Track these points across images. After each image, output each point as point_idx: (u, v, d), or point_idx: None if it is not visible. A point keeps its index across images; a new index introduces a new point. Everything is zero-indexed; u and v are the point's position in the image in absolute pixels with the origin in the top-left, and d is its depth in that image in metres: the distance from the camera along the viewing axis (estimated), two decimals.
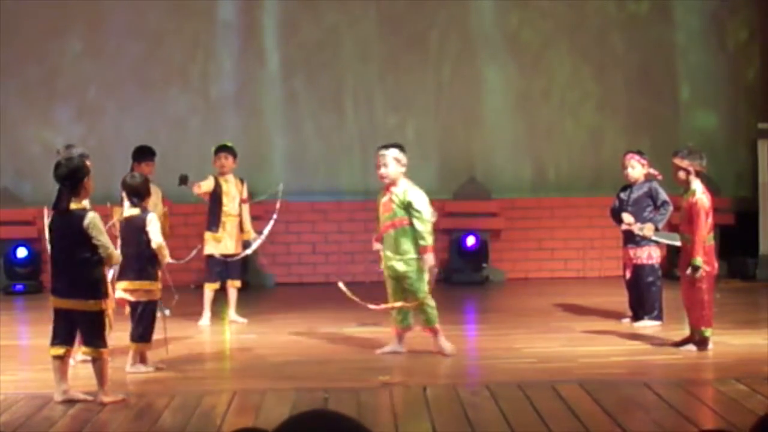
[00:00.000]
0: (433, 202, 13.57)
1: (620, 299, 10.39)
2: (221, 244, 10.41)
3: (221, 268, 10.45)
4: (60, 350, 7.46)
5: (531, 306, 11.47)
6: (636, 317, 10.17)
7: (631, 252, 10.05)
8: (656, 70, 13.97)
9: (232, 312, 10.67)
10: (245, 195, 10.70)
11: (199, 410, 7.21)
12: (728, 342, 9.26)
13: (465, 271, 13.21)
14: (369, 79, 13.82)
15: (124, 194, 8.56)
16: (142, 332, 8.32)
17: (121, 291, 8.28)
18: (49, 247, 7.60)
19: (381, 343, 9.58)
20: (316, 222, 13.57)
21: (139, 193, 8.41)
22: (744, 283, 12.68)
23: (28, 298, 12.51)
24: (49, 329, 8.77)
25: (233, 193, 10.56)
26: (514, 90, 13.94)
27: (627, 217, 9.99)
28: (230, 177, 10.61)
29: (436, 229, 13.58)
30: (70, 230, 7.35)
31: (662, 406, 7.16)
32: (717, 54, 14.04)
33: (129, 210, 8.43)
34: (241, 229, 10.57)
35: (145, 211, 8.35)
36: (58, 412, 7.23)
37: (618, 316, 10.38)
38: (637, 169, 10.15)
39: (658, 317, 10.10)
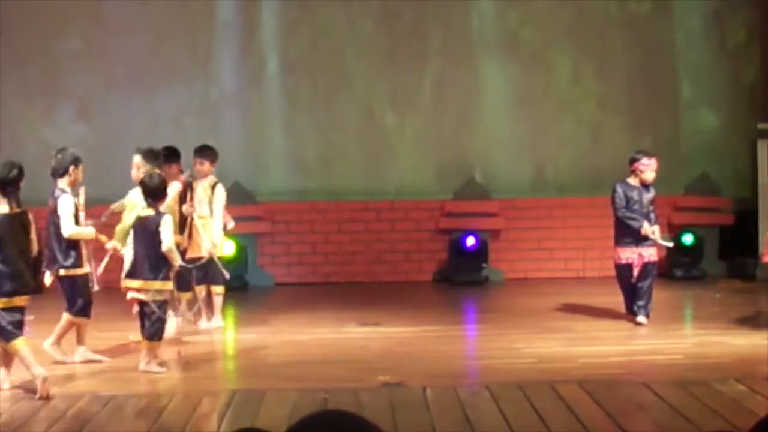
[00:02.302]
0: (432, 202, 13.73)
1: (620, 299, 10.38)
2: (189, 248, 10.23)
3: (195, 271, 10.22)
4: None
5: (531, 306, 11.46)
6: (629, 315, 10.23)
7: (644, 251, 10.13)
8: (656, 70, 13.96)
9: (215, 317, 10.39)
10: (217, 199, 10.27)
11: (199, 410, 7.22)
12: (728, 342, 9.27)
13: (465, 271, 13.19)
14: (368, 78, 13.80)
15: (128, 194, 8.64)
16: (155, 331, 8.34)
17: (133, 290, 8.30)
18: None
19: (381, 343, 9.58)
20: (316, 222, 13.56)
21: (154, 194, 8.38)
22: (744, 283, 12.67)
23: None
24: (49, 329, 8.82)
25: (201, 196, 10.37)
26: (513, 89, 13.92)
27: (648, 228, 10.04)
28: (205, 181, 10.36)
29: (436, 229, 13.70)
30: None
31: (662, 406, 7.16)
32: (717, 54, 14.02)
33: (144, 210, 8.42)
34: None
35: (159, 212, 8.33)
36: (58, 412, 7.23)
37: (617, 316, 10.38)
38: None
39: (649, 314, 10.15)
